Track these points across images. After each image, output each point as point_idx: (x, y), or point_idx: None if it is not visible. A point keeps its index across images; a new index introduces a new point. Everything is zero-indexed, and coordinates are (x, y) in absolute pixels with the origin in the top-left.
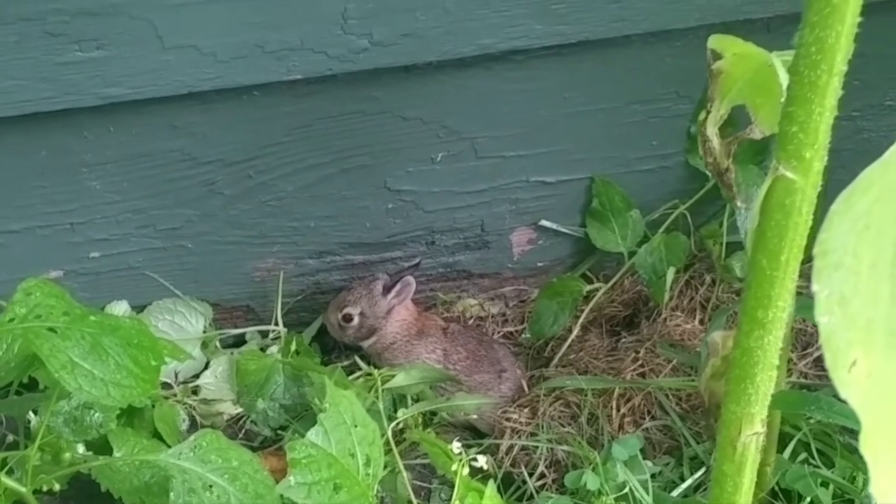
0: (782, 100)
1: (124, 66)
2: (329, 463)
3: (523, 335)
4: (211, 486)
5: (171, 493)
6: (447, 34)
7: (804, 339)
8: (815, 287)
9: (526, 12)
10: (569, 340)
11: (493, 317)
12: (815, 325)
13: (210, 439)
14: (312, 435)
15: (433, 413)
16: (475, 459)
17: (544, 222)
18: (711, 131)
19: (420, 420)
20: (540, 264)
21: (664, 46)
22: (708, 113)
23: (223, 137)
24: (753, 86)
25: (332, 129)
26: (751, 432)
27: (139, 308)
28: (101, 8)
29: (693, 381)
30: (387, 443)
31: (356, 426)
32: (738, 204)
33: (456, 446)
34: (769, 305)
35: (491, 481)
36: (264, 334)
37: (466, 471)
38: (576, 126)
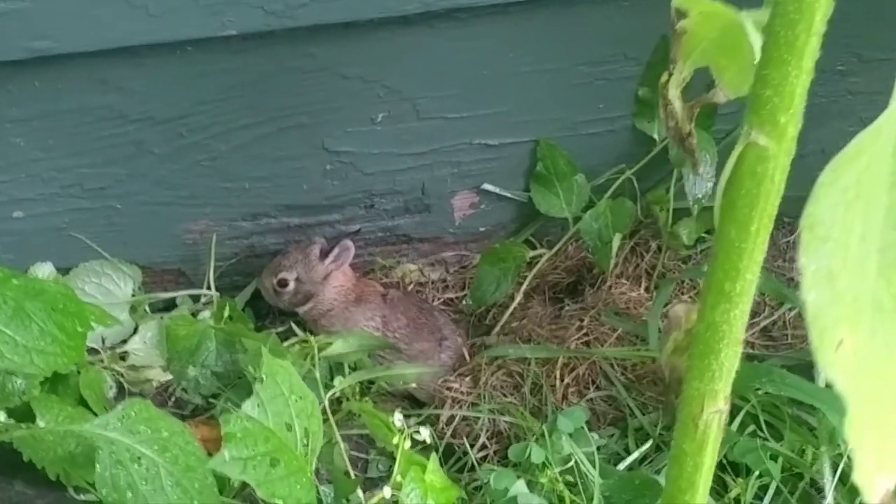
0: (755, 61)
1: (51, 19)
2: (266, 437)
3: (464, 302)
4: (139, 458)
5: (98, 465)
6: None
7: (752, 307)
8: (801, 262)
9: None
10: (511, 308)
11: (433, 283)
12: (762, 293)
13: (139, 409)
14: (248, 407)
15: (371, 382)
16: (417, 432)
17: (487, 186)
18: (674, 94)
19: (358, 389)
20: (482, 229)
21: (612, 6)
22: (670, 75)
23: (154, 94)
24: (719, 46)
25: (268, 88)
26: (714, 409)
27: (65, 270)
28: None
29: (639, 350)
30: (323, 412)
31: (294, 397)
32: (699, 170)
33: (398, 418)
34: (737, 278)
35: (433, 454)
36: (196, 299)
37: (409, 444)
38: (521, 87)
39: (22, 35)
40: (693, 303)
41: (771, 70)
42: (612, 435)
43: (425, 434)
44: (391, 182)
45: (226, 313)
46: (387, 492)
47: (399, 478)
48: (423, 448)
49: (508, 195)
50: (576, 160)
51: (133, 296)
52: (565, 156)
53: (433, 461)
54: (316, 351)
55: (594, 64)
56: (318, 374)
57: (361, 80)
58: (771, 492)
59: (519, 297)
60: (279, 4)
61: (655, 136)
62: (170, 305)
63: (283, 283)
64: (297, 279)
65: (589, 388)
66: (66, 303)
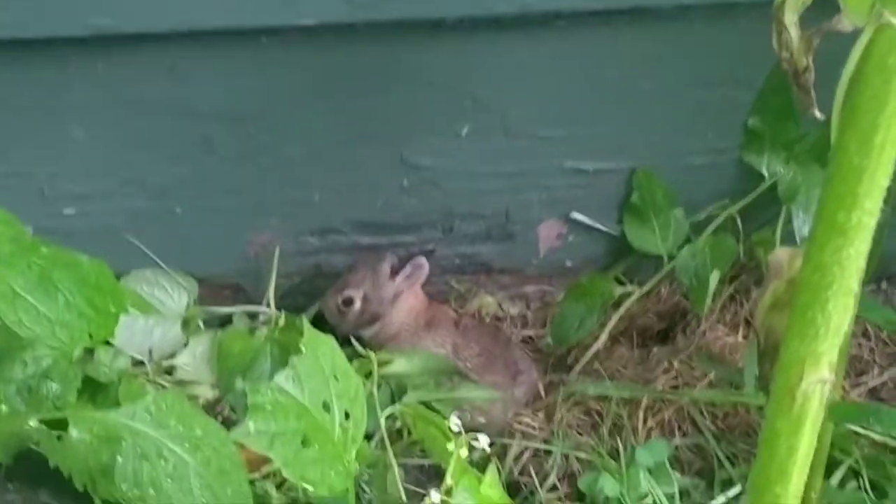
0: None
1: None
2: (298, 413)
3: (544, 340)
4: (166, 455)
5: (119, 457)
6: None
7: (859, 365)
8: None
9: None
10: (594, 348)
11: (512, 318)
12: (872, 350)
13: (171, 402)
14: (281, 379)
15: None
16: (475, 438)
17: (576, 215)
18: (790, 19)
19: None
20: (568, 264)
21: (727, 24)
22: None
23: (224, 87)
24: None
25: (347, 89)
26: (815, 378)
27: (116, 276)
28: None
29: (733, 395)
30: (381, 442)
31: (336, 377)
32: (816, 114)
33: (454, 422)
34: (853, 206)
35: (492, 465)
36: (253, 317)
37: (465, 453)
38: (620, 108)
39: (83, 9)
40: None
41: None
42: (698, 486)
43: (483, 442)
44: (473, 203)
45: (280, 322)
46: (435, 496)
47: (451, 481)
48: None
49: (599, 227)
50: (675, 192)
51: (187, 309)
52: (664, 187)
53: (492, 473)
54: (375, 366)
55: (702, 87)
56: (374, 391)
57: (447, 88)
58: None
59: (604, 338)
60: None
61: (764, 172)
62: (225, 322)
63: (349, 302)
64: (365, 298)
65: (675, 434)
66: (100, 279)
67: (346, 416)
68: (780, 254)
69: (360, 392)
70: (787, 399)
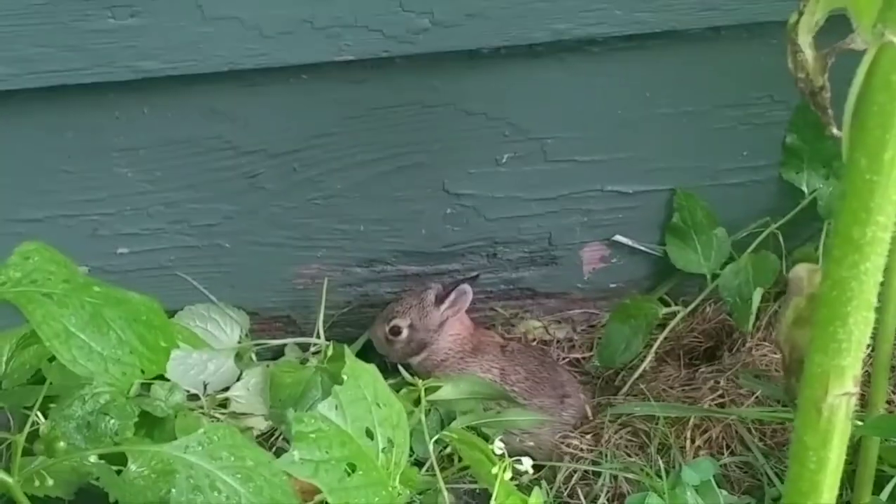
0: None
1: (160, 38)
2: (342, 441)
3: (591, 362)
4: (220, 486)
5: (174, 490)
6: (516, 16)
7: None
8: None
9: None
10: (641, 369)
11: (558, 342)
12: None
13: (223, 434)
14: (324, 408)
15: (484, 437)
16: (519, 461)
17: (619, 238)
18: (804, 40)
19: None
20: (612, 285)
21: (758, 43)
22: (800, 16)
23: (267, 125)
24: None
25: (387, 121)
26: (840, 392)
27: (170, 313)
28: None
29: (780, 412)
30: (430, 468)
31: (378, 405)
32: (834, 132)
33: (498, 446)
34: (867, 221)
35: (536, 488)
36: (304, 348)
37: (509, 475)
38: (658, 130)
39: (129, 54)
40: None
41: None
42: None
43: (527, 464)
44: (516, 230)
45: (329, 352)
46: None
47: None
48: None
49: (642, 248)
50: (716, 212)
51: (239, 342)
52: (705, 207)
53: (536, 496)
54: (423, 393)
55: (738, 107)
56: (423, 417)
57: (486, 117)
58: None
59: (650, 358)
60: (399, 28)
61: (804, 188)
62: (277, 354)
63: (397, 331)
64: (411, 326)
65: (723, 453)
66: (150, 315)
67: (390, 442)
68: (800, 270)
69: (402, 418)
70: (813, 413)
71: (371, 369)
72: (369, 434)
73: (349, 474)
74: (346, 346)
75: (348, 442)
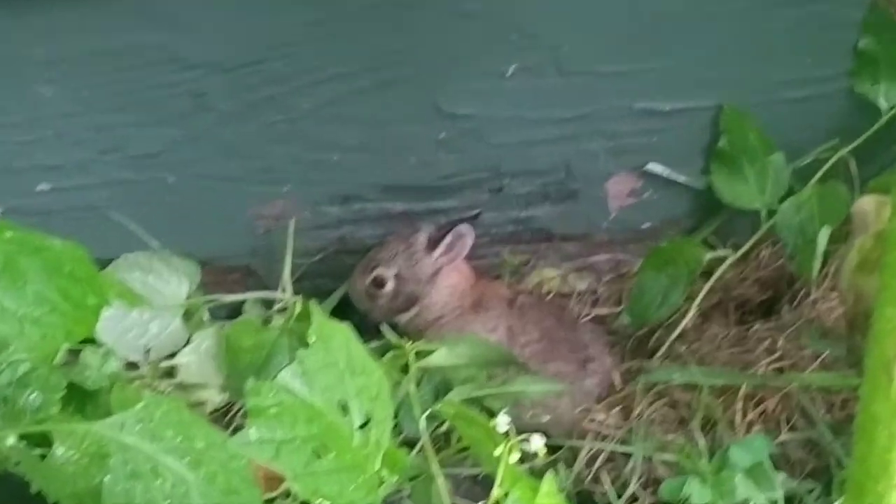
0: None
1: None
2: (309, 416)
3: (620, 320)
4: (163, 472)
5: (108, 478)
6: None
7: None
8: None
9: None
10: (680, 327)
11: (579, 295)
12: None
13: (167, 409)
14: (287, 376)
15: (488, 412)
16: (526, 441)
17: (652, 166)
18: None
19: None
20: (645, 226)
21: None
22: None
23: (219, 33)
24: None
25: (365, 27)
26: None
27: (102, 263)
28: None
29: (851, 378)
30: (422, 448)
31: (353, 372)
32: None
33: (503, 420)
34: None
35: (550, 475)
36: (268, 305)
37: (516, 457)
38: (700, 33)
39: None
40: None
41: None
42: (812, 490)
43: (537, 444)
44: (525, 158)
45: (297, 310)
46: None
47: (499, 492)
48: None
49: (681, 180)
50: (772, 134)
51: (188, 298)
52: (757, 127)
53: (549, 482)
54: (412, 358)
55: (798, 3)
56: (412, 388)
57: (486, 20)
58: None
59: (692, 314)
60: None
61: (881, 103)
62: (234, 312)
63: (380, 283)
64: (398, 276)
65: (781, 428)
66: (76, 265)
67: (369, 417)
68: (865, 203)
69: (383, 388)
70: (882, 377)
71: (344, 328)
72: (343, 408)
73: (318, 456)
74: (314, 302)
75: (316, 417)
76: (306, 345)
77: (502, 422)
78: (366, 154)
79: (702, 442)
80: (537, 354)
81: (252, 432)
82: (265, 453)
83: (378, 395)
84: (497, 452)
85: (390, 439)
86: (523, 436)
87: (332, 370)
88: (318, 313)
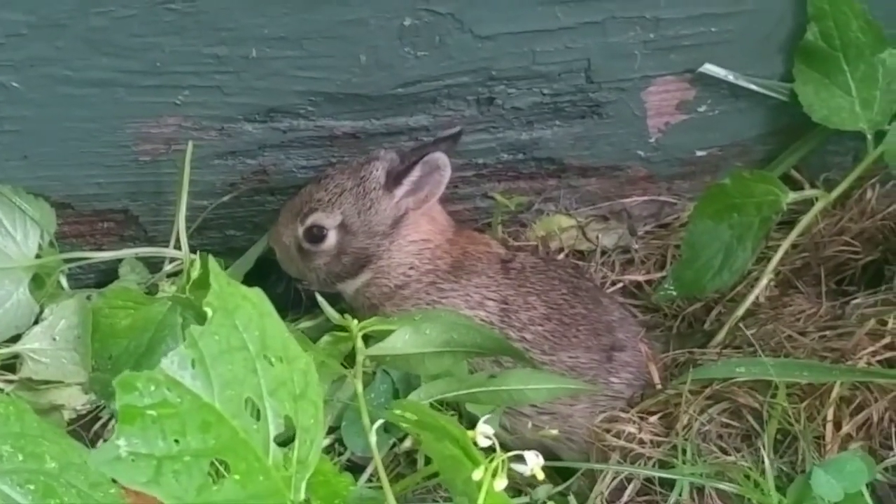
0: None
1: None
2: (204, 421)
3: (661, 290)
4: None
5: None
6: None
7: None
8: None
9: None
10: (749, 301)
11: (604, 253)
12: None
13: (2, 416)
14: (173, 364)
15: (469, 420)
16: (516, 460)
17: (709, 68)
18: None
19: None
20: (700, 153)
21: None
22: None
23: None
24: None
25: None
26: None
27: None
28: None
29: None
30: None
31: (268, 358)
32: None
33: (483, 430)
34: None
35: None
36: (154, 266)
37: (503, 484)
38: None
39: None
40: None
41: None
42: None
43: (532, 462)
44: (527, 56)
45: (195, 273)
46: None
47: None
48: None
49: (750, 87)
50: (882, 22)
51: (39, 256)
52: (863, 13)
53: None
54: (360, 343)
55: None
56: (359, 387)
57: None
58: None
59: (766, 282)
60: None
61: None
62: (106, 277)
63: (317, 235)
64: (343, 226)
65: (890, 442)
66: None
67: (290, 423)
68: None
69: (312, 384)
70: None
71: (256, 296)
72: (254, 409)
73: (214, 480)
74: (213, 259)
75: (214, 423)
76: (203, 320)
77: (483, 432)
78: (296, 50)
79: (775, 465)
80: (543, 339)
81: (121, 444)
82: (139, 474)
83: (305, 394)
84: (476, 476)
85: (324, 458)
86: (512, 453)
87: (237, 356)
88: (220, 275)
